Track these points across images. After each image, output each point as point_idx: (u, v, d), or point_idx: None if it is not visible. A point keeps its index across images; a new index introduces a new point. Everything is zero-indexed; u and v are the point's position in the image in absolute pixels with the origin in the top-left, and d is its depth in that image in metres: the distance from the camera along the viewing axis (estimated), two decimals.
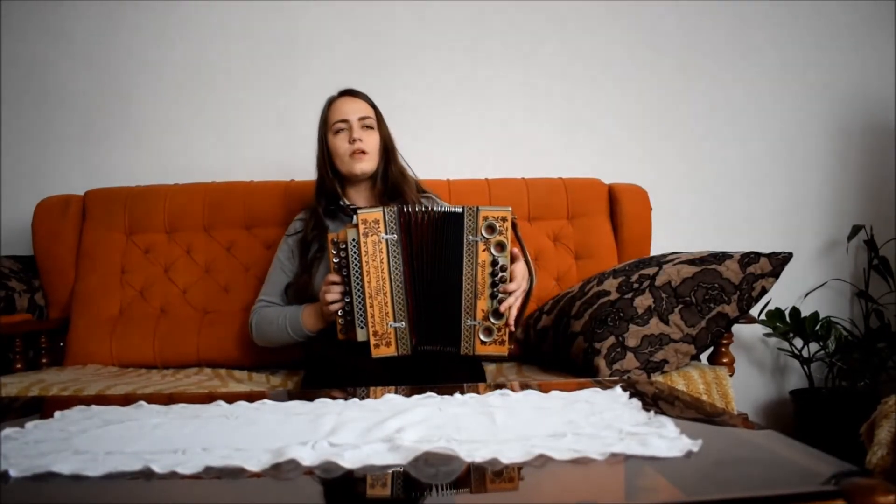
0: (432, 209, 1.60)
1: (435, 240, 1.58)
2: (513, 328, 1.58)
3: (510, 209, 1.56)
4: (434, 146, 2.49)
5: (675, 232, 2.47)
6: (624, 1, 2.57)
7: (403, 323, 1.56)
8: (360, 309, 1.56)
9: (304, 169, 2.42)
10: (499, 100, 2.57)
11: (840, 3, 2.60)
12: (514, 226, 1.57)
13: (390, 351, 1.56)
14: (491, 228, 1.55)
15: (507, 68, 2.57)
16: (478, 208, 1.55)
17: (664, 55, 2.59)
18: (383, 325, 1.56)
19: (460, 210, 1.57)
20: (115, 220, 2.21)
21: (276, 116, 2.54)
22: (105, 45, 2.54)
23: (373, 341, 1.55)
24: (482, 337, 1.57)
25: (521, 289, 1.59)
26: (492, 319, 1.56)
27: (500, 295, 1.56)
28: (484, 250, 1.55)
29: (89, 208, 2.24)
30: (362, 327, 1.56)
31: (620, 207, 2.23)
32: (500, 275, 1.55)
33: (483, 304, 1.56)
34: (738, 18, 2.59)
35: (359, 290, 1.56)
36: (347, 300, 1.59)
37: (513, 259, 1.58)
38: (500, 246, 1.55)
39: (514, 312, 1.57)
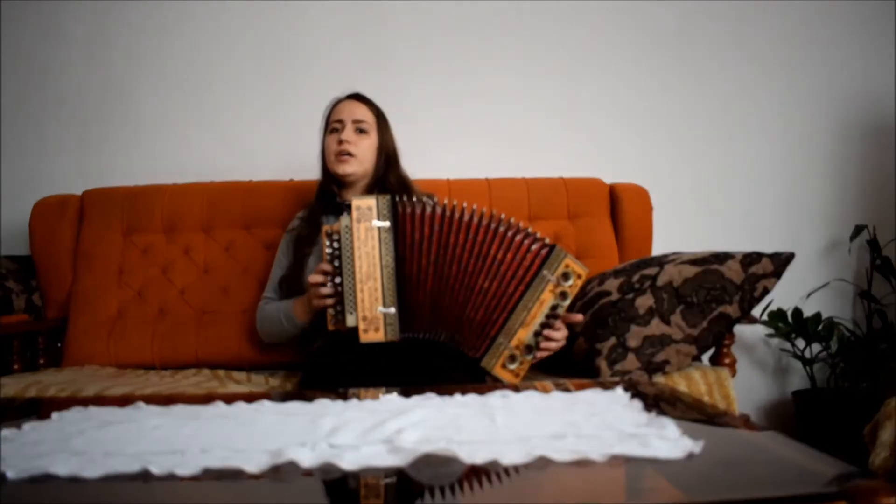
0: (506, 217, 1.60)
1: (482, 242, 1.57)
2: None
3: (588, 271, 1.58)
4: (434, 146, 2.49)
5: (677, 232, 2.46)
6: (625, 1, 2.57)
7: (393, 309, 1.56)
8: (351, 294, 1.56)
9: (304, 168, 2.42)
10: (499, 99, 2.56)
11: (840, 3, 2.59)
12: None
13: (378, 336, 1.56)
14: (565, 276, 1.56)
15: (508, 68, 2.56)
16: (566, 253, 1.57)
17: (665, 55, 2.58)
18: (373, 311, 1.56)
19: (551, 244, 1.58)
20: (113, 220, 2.20)
21: (275, 116, 2.54)
22: (104, 45, 2.53)
23: (361, 326, 1.55)
24: (506, 362, 1.57)
25: (559, 343, 1.60)
26: (523, 352, 1.57)
27: (541, 337, 1.57)
28: (549, 291, 1.56)
29: (87, 208, 2.23)
30: (352, 313, 1.56)
31: (621, 207, 2.22)
32: (551, 320, 1.56)
33: (523, 335, 1.56)
34: (738, 18, 2.59)
35: (349, 276, 1.57)
36: (339, 288, 1.59)
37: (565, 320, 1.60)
38: (563, 295, 1.56)
39: (541, 357, 1.59)
